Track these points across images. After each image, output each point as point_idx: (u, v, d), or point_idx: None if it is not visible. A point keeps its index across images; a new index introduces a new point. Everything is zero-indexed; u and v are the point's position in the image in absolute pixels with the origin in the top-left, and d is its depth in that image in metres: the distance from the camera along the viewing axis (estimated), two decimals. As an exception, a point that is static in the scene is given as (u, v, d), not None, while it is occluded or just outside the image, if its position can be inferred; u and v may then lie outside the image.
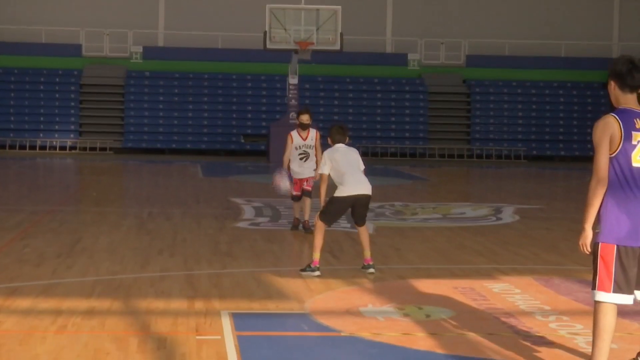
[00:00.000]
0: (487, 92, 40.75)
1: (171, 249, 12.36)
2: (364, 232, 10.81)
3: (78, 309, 8.45)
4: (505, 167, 36.18)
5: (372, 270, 10.57)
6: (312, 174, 13.26)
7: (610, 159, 5.75)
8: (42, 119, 36.40)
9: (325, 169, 10.67)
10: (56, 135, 35.92)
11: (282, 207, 16.91)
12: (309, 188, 13.57)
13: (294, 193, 13.64)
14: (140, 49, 37.80)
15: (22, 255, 11.43)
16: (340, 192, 10.48)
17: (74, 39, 37.41)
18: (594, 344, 5.91)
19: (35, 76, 37.21)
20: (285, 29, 31.50)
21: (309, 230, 13.31)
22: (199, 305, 8.65)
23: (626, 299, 5.85)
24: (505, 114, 40.40)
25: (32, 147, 35.17)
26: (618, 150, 5.72)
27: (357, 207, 10.72)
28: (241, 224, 15.22)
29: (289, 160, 13.81)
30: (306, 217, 13.73)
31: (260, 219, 15.65)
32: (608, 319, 5.81)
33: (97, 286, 9.54)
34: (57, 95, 36.89)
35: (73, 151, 35.39)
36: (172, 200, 19.73)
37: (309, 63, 33.86)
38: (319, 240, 10.36)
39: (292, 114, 30.44)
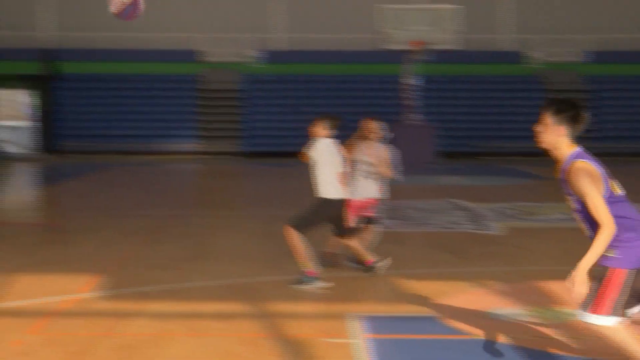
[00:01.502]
0: (608, 88, 39.68)
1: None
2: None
3: (207, 311, 8.62)
4: (636, 164, 35.22)
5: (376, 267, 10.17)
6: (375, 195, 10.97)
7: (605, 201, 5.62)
8: (162, 124, 36.98)
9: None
10: (176, 140, 36.42)
11: (410, 210, 16.75)
12: (371, 214, 11.05)
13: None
14: (256, 53, 38.07)
15: (151, 259, 11.65)
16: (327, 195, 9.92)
17: (192, 44, 37.89)
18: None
19: (153, 82, 37.90)
20: (399, 29, 31.31)
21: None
22: (327, 308, 8.72)
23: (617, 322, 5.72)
24: (629, 110, 39.22)
25: (154, 152, 35.73)
26: (605, 189, 5.62)
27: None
28: (366, 227, 15.16)
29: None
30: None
31: (386, 221, 15.50)
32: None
33: (225, 289, 9.66)
34: (175, 101, 37.44)
35: (193, 155, 35.86)
36: (294, 202, 19.75)
37: (425, 62, 33.65)
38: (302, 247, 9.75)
39: (409, 115, 30.29)
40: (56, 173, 28.45)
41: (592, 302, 5.72)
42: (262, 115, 37.66)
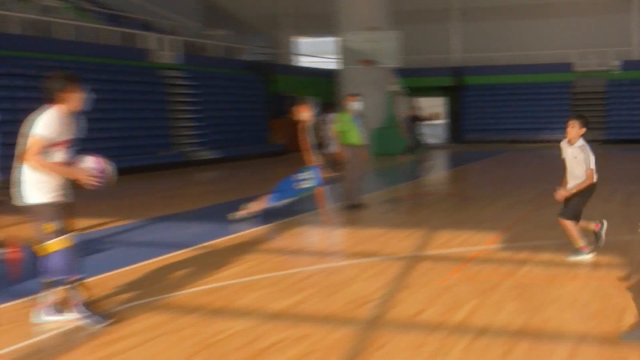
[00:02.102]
0: None
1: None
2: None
3: (586, 262, 8.21)
4: None
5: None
6: None
7: None
8: (542, 119, 35.82)
9: None
10: (552, 132, 35.26)
11: None
12: None
13: None
14: (619, 63, 35.72)
15: (540, 221, 11.29)
16: None
17: (566, 58, 36.40)
18: None
19: (535, 89, 36.67)
20: None
21: None
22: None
23: None
24: None
25: (536, 141, 34.79)
26: None
27: None
28: None
29: None
30: None
31: None
32: None
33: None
34: (553, 102, 36.15)
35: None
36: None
37: None
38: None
39: None
40: (463, 157, 28.68)
41: None
42: (622, 112, 35.27)
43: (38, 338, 5.79)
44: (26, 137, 5.88)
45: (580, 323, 5.96)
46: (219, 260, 8.71)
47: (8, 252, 8.99)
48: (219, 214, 12.43)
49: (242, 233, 10.68)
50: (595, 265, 8.08)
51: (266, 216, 11.85)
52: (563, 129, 9.41)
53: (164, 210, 13.51)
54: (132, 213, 13.08)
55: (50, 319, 6.14)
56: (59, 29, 23.19)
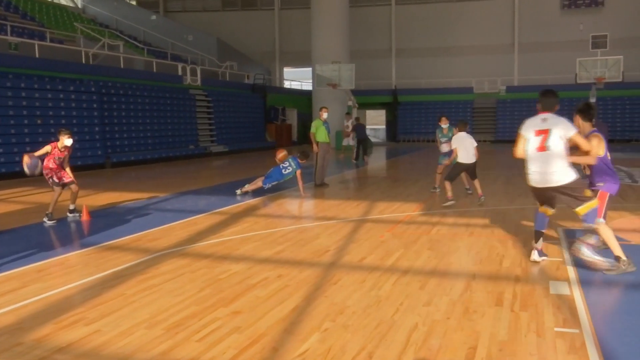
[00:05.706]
0: None
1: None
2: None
3: (478, 223, 8.19)
4: None
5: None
6: None
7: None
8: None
9: None
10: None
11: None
12: None
13: None
14: (504, 87, 35.74)
15: (441, 196, 11.21)
16: None
17: (468, 84, 36.21)
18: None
19: (448, 105, 36.32)
20: (588, 71, 27.84)
21: None
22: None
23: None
24: None
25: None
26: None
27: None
28: None
29: None
30: None
31: None
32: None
33: (488, 212, 9.10)
34: (458, 114, 35.96)
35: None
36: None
37: (601, 90, 29.69)
38: None
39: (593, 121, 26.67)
40: (396, 152, 28.41)
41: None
42: (506, 121, 35.16)
43: (118, 268, 5.62)
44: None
45: (473, 266, 5.91)
46: (226, 222, 8.56)
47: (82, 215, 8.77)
48: (227, 190, 12.24)
49: (242, 203, 10.52)
50: (484, 225, 8.05)
51: (260, 192, 11.69)
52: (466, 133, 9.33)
53: (189, 187, 13.25)
54: (167, 189, 12.84)
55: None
56: (117, 60, 22.60)
